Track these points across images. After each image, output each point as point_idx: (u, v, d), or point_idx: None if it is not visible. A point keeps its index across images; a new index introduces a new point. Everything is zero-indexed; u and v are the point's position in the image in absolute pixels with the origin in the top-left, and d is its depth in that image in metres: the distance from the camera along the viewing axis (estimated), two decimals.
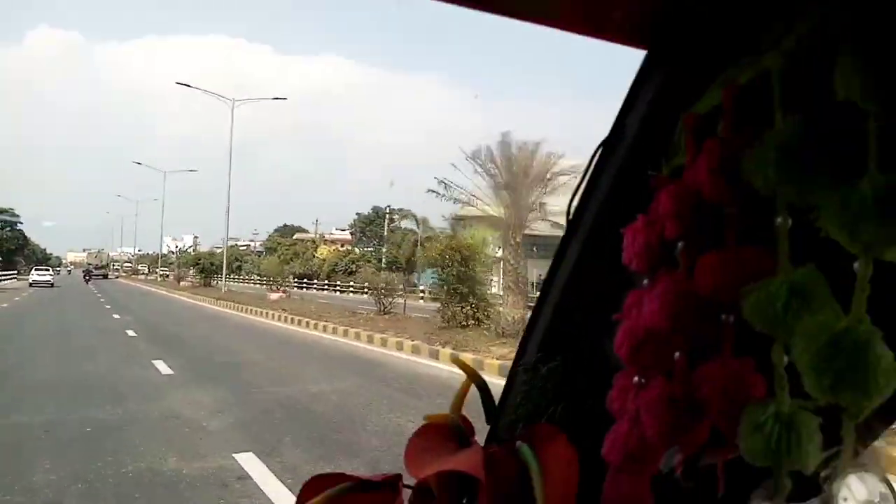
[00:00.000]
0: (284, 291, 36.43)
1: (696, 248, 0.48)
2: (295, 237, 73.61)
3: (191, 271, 56.78)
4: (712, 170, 0.45)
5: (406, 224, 48.83)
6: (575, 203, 0.71)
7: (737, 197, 0.45)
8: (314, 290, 46.70)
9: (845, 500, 0.44)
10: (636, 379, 0.56)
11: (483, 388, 0.70)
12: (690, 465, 0.55)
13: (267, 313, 23.54)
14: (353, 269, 45.43)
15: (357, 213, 74.55)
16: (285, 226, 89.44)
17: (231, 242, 67.97)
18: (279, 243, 67.27)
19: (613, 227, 0.56)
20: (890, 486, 0.48)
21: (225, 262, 45.10)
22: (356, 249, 61.02)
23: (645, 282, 0.53)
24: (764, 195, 0.42)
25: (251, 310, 25.29)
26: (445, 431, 0.68)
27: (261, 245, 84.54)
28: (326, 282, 49.46)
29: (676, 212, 0.48)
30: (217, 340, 15.97)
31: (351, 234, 76.07)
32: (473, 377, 0.69)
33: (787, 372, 0.41)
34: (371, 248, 62.11)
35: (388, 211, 58.45)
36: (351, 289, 41.82)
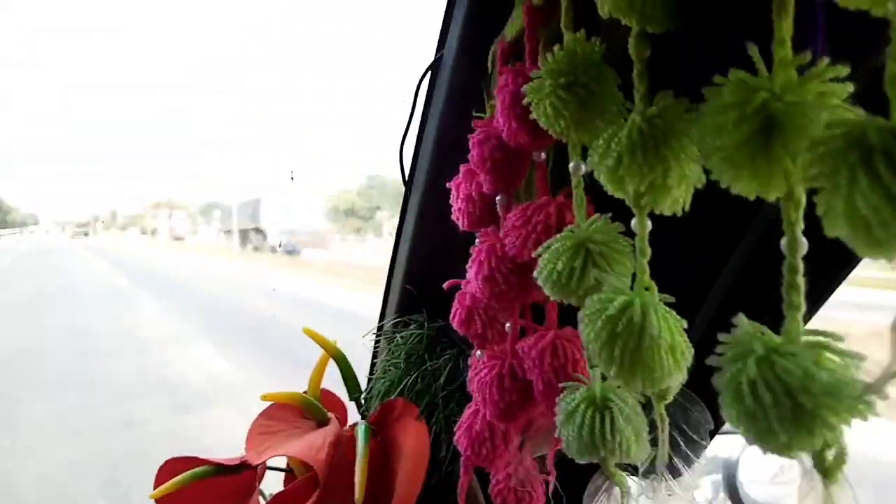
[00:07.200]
0: None
1: (511, 201, 0.41)
2: None
3: None
4: (506, 107, 0.37)
5: None
6: (407, 150, 0.62)
7: (540, 140, 0.37)
8: None
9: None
10: (477, 353, 0.49)
11: (341, 361, 0.64)
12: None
13: None
14: None
15: None
16: None
17: None
18: None
19: (445, 177, 0.48)
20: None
21: None
22: None
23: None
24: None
25: None
26: (298, 410, 0.62)
27: None
28: None
29: (485, 159, 0.41)
30: None
31: None
32: (330, 350, 0.63)
33: None
34: None
35: None
36: None
